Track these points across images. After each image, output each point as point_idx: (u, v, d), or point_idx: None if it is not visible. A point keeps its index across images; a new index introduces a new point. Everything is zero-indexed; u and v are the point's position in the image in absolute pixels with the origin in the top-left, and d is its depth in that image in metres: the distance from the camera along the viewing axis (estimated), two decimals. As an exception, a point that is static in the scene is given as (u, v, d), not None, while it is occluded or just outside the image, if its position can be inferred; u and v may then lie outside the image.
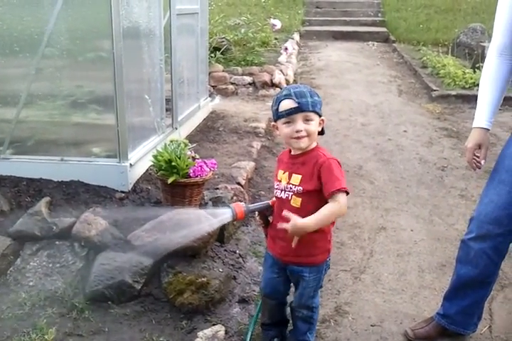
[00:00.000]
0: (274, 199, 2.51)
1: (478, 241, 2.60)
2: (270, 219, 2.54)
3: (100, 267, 2.96)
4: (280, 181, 2.42)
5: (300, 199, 2.34)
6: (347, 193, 2.26)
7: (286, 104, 2.28)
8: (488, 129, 2.59)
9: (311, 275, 2.43)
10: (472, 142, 2.60)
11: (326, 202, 2.26)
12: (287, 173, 2.39)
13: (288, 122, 2.30)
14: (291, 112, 2.28)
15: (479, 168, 2.65)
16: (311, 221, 2.25)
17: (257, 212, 2.56)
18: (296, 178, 2.35)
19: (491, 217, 2.55)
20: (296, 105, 2.26)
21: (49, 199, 3.30)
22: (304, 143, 2.32)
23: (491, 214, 2.54)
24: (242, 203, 2.50)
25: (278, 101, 2.31)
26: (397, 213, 4.27)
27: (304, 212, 2.30)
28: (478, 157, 2.61)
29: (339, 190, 2.23)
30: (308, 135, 2.30)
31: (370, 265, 3.51)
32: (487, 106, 2.58)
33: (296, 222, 2.24)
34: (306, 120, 2.28)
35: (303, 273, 2.44)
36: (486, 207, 2.58)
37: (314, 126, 2.30)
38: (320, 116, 2.32)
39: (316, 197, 2.31)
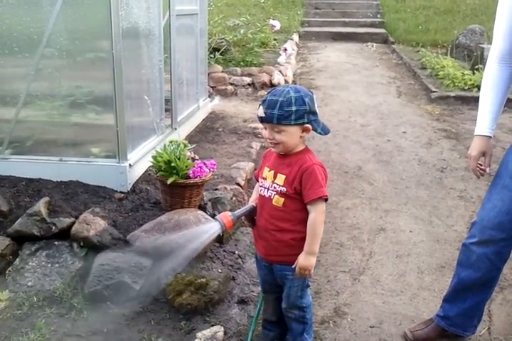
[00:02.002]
0: (257, 201, 2.54)
1: (481, 245, 2.59)
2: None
3: (99, 267, 2.95)
4: (265, 179, 2.45)
5: (283, 199, 2.37)
6: (326, 200, 2.33)
7: (259, 111, 2.30)
8: (491, 136, 2.59)
9: (294, 274, 2.43)
10: (476, 150, 2.59)
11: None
12: (273, 172, 2.41)
13: (265, 126, 2.34)
14: (260, 120, 2.32)
15: (483, 176, 2.64)
16: (308, 248, 2.34)
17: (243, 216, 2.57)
18: (281, 178, 2.37)
19: (493, 222, 2.53)
20: (263, 115, 2.27)
21: (48, 199, 3.29)
22: (278, 149, 2.36)
23: (494, 219, 2.53)
24: (228, 212, 2.50)
25: (260, 103, 2.33)
26: (397, 214, 4.27)
27: (285, 211, 2.37)
28: (481, 164, 2.61)
29: (320, 198, 2.30)
30: (280, 143, 2.31)
31: (369, 266, 3.51)
32: (488, 114, 2.58)
33: (299, 261, 2.35)
34: (275, 130, 2.29)
35: (286, 272, 2.45)
36: (489, 212, 2.56)
37: (286, 136, 2.28)
38: (300, 124, 2.27)
39: (297, 198, 2.35)
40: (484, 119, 2.58)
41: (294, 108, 2.23)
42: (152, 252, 2.97)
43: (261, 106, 2.29)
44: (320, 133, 2.34)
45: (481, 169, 2.60)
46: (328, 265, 3.50)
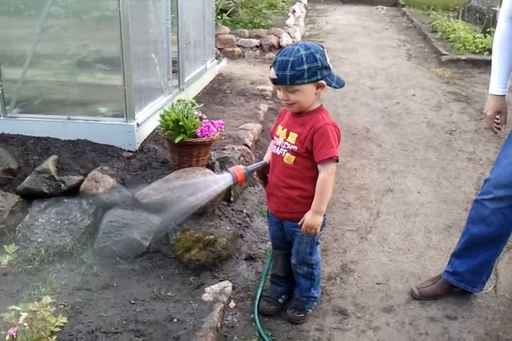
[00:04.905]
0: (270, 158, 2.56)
1: (495, 201, 2.59)
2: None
3: (108, 224, 2.98)
4: (278, 137, 2.45)
5: (294, 157, 2.38)
6: (337, 161, 2.33)
7: (271, 73, 2.29)
8: (505, 95, 2.59)
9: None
10: (491, 110, 2.61)
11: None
12: (286, 130, 2.42)
13: (278, 88, 2.35)
14: (273, 82, 2.32)
15: (500, 130, 2.66)
16: (316, 207, 2.36)
17: (255, 172, 2.59)
18: (293, 137, 2.38)
19: (510, 178, 2.53)
20: (275, 77, 2.27)
21: (56, 157, 3.29)
22: (293, 108, 2.37)
23: (511, 175, 2.52)
24: (241, 166, 2.55)
25: (271, 65, 2.31)
26: (405, 175, 4.26)
27: (296, 170, 2.39)
28: (498, 123, 2.63)
29: (330, 158, 2.30)
30: (295, 103, 2.31)
31: (376, 225, 3.53)
32: (501, 72, 2.58)
33: (305, 219, 2.38)
34: (289, 91, 2.28)
35: (295, 229, 2.47)
36: (505, 168, 2.55)
37: (300, 95, 2.28)
38: (313, 81, 2.26)
39: (308, 157, 2.36)
40: (497, 78, 2.59)
41: (305, 66, 2.22)
42: (166, 197, 2.98)
43: (272, 68, 2.28)
44: (335, 87, 2.32)
45: (497, 124, 2.62)
46: (335, 224, 3.52)
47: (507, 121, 2.68)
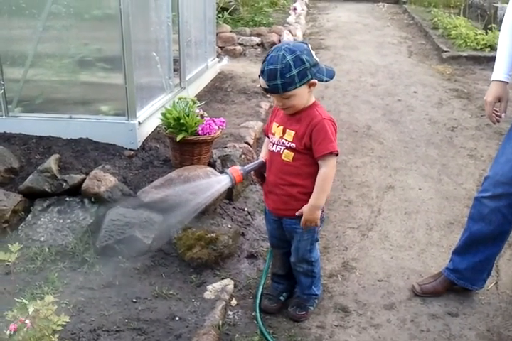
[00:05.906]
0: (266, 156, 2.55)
1: (494, 199, 2.59)
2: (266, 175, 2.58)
3: (110, 223, 2.98)
4: (274, 134, 2.45)
5: (292, 154, 2.38)
6: (336, 155, 2.34)
7: (261, 82, 2.29)
8: (507, 82, 2.57)
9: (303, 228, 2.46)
10: (492, 96, 2.57)
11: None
12: (282, 128, 2.41)
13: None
14: (265, 91, 2.32)
15: (499, 122, 2.63)
16: (314, 201, 2.37)
17: (252, 171, 2.59)
18: (290, 134, 2.38)
19: (507, 176, 2.52)
20: (266, 87, 2.26)
21: (58, 156, 3.30)
22: (289, 111, 2.37)
23: (508, 173, 2.52)
24: (238, 166, 2.54)
25: (259, 74, 2.30)
26: (406, 172, 4.26)
27: (295, 166, 2.39)
28: (497, 111, 2.59)
29: (331, 153, 2.31)
30: (291, 107, 2.32)
31: (377, 222, 3.53)
32: (505, 59, 2.55)
33: (304, 213, 2.38)
34: (284, 97, 2.28)
35: (295, 226, 2.47)
36: (502, 166, 2.55)
37: (295, 99, 2.29)
38: (305, 83, 2.25)
39: (307, 153, 2.36)
40: (501, 64, 2.56)
41: (295, 71, 2.20)
42: (163, 203, 2.99)
43: (261, 78, 2.26)
44: (327, 81, 2.32)
45: (496, 115, 2.59)
46: (336, 221, 3.52)
47: (507, 117, 2.66)
